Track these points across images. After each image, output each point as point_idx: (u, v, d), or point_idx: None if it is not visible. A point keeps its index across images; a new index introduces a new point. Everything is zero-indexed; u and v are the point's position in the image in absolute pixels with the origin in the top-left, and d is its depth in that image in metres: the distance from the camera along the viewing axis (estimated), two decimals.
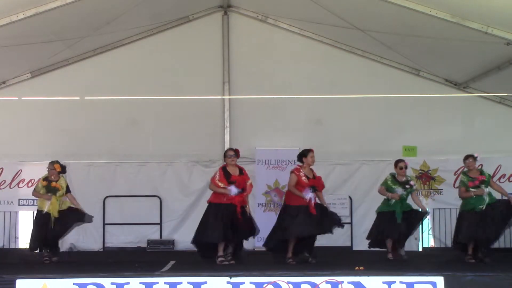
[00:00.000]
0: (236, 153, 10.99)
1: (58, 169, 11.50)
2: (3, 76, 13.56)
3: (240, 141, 13.80)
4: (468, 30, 10.67)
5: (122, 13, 12.17)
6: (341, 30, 12.81)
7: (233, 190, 10.70)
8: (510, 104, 13.72)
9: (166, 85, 13.68)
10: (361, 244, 13.66)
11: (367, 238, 11.81)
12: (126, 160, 13.96)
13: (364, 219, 13.81)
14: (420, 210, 11.58)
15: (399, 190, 11.39)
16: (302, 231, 10.72)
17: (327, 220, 10.90)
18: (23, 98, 12.81)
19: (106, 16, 12.23)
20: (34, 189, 11.73)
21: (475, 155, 11.24)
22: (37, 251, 11.65)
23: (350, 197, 13.86)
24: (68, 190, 11.59)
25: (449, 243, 13.28)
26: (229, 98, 13.90)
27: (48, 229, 11.29)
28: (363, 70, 13.96)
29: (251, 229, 10.98)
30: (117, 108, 13.57)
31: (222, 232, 10.57)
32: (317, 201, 10.94)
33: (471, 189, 11.03)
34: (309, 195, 10.74)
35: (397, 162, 11.64)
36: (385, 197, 11.58)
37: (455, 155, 13.32)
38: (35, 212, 11.94)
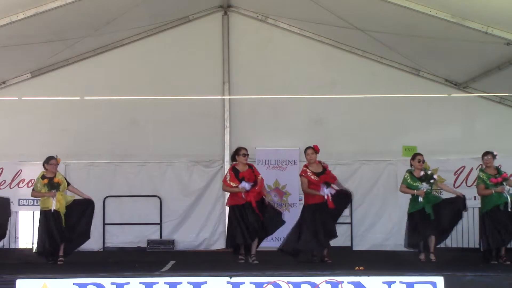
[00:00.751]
0: (247, 151, 11.17)
1: (59, 162, 11.17)
2: (3, 76, 13.56)
3: (240, 141, 13.76)
4: (468, 30, 10.67)
5: (122, 13, 12.18)
6: (341, 30, 12.81)
7: (245, 186, 10.79)
8: (510, 104, 13.72)
9: (166, 85, 13.68)
10: (361, 244, 13.70)
11: (405, 246, 11.25)
12: (126, 160, 13.96)
13: (364, 219, 13.84)
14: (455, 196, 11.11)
15: (424, 186, 10.93)
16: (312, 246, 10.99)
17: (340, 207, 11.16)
18: (23, 98, 12.82)
19: (106, 16, 12.23)
20: (33, 189, 11.23)
21: (495, 152, 11.00)
22: (47, 254, 11.03)
23: None
24: (68, 183, 11.21)
25: (449, 243, 13.29)
26: (229, 98, 13.91)
27: (60, 228, 10.84)
28: (363, 70, 13.96)
29: (276, 222, 11.06)
30: (117, 108, 13.57)
31: (247, 233, 10.78)
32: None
33: (491, 187, 10.76)
34: (324, 191, 10.91)
35: (414, 156, 11.22)
36: (410, 197, 11.11)
37: (455, 155, 13.37)
38: (38, 214, 11.49)
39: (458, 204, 11.02)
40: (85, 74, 13.93)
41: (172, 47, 14.05)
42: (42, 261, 11.06)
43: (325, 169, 11.17)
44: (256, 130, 14.01)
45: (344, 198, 11.30)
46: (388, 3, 10.74)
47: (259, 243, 11.05)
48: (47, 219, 10.96)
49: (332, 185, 11.05)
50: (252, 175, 10.91)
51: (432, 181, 11.02)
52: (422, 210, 10.90)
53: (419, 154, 11.28)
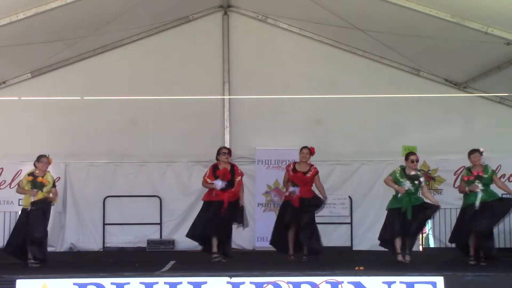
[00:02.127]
0: (229, 151, 11.50)
1: (51, 162, 11.00)
2: (3, 76, 13.56)
3: (240, 141, 13.81)
4: (468, 30, 10.67)
5: (122, 13, 12.18)
6: (341, 30, 12.81)
7: (218, 183, 11.10)
8: (510, 104, 13.72)
9: (166, 85, 13.68)
10: (361, 244, 13.69)
11: (379, 238, 11.33)
12: (126, 160, 13.96)
13: (364, 219, 13.83)
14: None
15: (407, 184, 10.85)
16: (286, 219, 11.35)
17: (305, 211, 11.33)
18: (23, 98, 12.80)
19: (106, 16, 12.23)
20: (18, 185, 11.07)
21: (481, 149, 10.87)
22: (13, 255, 10.81)
23: (350, 197, 13.85)
24: (53, 185, 10.92)
25: (449, 243, 13.29)
26: (229, 98, 13.90)
27: (29, 227, 10.56)
28: (363, 70, 13.96)
29: (236, 220, 11.36)
30: (117, 108, 13.57)
31: (208, 228, 11.04)
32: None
33: (465, 184, 10.75)
34: (290, 188, 11.34)
35: (408, 155, 11.15)
36: (393, 193, 11.10)
37: (455, 155, 13.34)
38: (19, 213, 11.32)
39: (430, 210, 10.99)
40: (85, 74, 13.93)
41: (172, 47, 14.05)
42: (27, 266, 10.56)
43: (307, 172, 11.45)
44: (256, 130, 14.01)
45: (314, 203, 11.48)
46: (388, 3, 10.74)
47: (225, 243, 11.25)
48: (21, 217, 10.84)
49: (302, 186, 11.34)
50: (229, 174, 11.19)
51: (416, 182, 10.89)
52: (400, 209, 10.87)
53: (413, 154, 11.19)
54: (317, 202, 11.50)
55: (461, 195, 11.06)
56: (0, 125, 13.78)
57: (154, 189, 14.01)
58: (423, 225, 11.33)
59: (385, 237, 11.10)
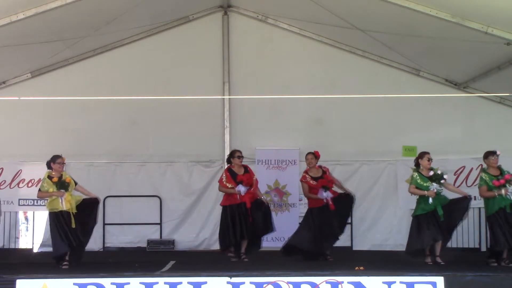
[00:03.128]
0: (242, 154, 11.56)
1: (64, 161, 10.81)
2: (3, 76, 13.55)
3: (240, 141, 13.80)
4: (468, 30, 10.66)
5: (122, 13, 12.18)
6: (341, 30, 12.81)
7: (241, 189, 11.15)
8: (510, 104, 13.71)
9: (166, 85, 13.68)
10: (361, 244, 13.69)
11: (408, 251, 10.81)
12: (126, 160, 13.96)
13: (364, 219, 13.83)
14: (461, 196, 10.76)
15: (434, 186, 10.54)
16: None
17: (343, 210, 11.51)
18: (23, 98, 12.80)
19: (106, 16, 12.23)
20: (40, 190, 10.67)
21: (498, 152, 10.73)
22: (64, 256, 10.49)
23: None
24: (75, 182, 10.79)
25: (449, 243, 13.26)
26: (229, 98, 13.90)
27: (71, 229, 10.41)
28: (363, 70, 13.96)
29: (266, 226, 11.36)
30: (117, 108, 13.56)
31: (238, 233, 11.11)
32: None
33: (495, 188, 10.47)
34: (323, 195, 11.29)
35: (422, 154, 10.78)
36: (417, 198, 10.74)
37: (455, 155, 13.35)
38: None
39: (463, 204, 10.72)
40: (85, 74, 13.93)
41: (172, 47, 14.05)
42: (60, 266, 10.39)
43: (324, 172, 11.53)
44: (256, 130, 14.01)
45: (345, 199, 11.56)
46: (388, 3, 10.73)
47: (249, 243, 11.32)
48: (58, 221, 10.48)
49: (331, 188, 11.42)
50: (251, 179, 11.31)
51: (442, 181, 10.65)
52: (429, 213, 10.54)
53: (427, 152, 10.86)
54: (350, 198, 11.59)
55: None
56: (0, 125, 13.77)
57: (154, 189, 14.01)
58: (459, 220, 10.89)
59: (418, 245, 10.65)
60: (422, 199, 10.67)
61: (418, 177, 10.66)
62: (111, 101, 12.90)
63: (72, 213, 10.48)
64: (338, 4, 11.92)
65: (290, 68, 14.05)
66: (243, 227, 11.10)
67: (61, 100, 12.82)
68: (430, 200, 10.56)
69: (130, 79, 13.81)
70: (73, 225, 10.45)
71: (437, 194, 10.62)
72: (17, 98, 12.88)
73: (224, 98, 13.89)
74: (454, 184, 13.35)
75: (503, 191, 10.49)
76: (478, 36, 10.75)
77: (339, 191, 11.64)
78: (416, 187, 10.68)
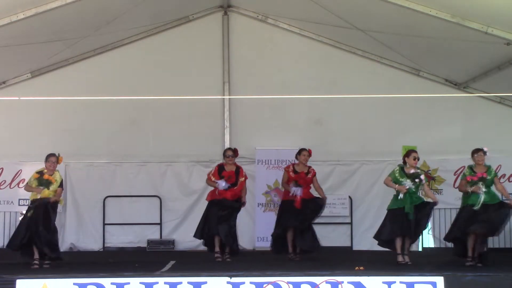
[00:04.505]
0: (235, 152, 11.67)
1: (61, 161, 10.90)
2: (3, 76, 13.56)
3: (240, 141, 13.79)
4: (468, 30, 10.67)
5: (122, 13, 12.18)
6: (341, 30, 12.81)
7: (221, 184, 11.34)
8: (510, 104, 13.71)
9: (166, 85, 13.67)
10: (361, 244, 13.68)
11: (375, 237, 11.17)
12: (126, 160, 13.96)
13: (364, 219, 13.84)
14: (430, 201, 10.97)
15: (408, 183, 10.68)
16: (285, 223, 11.53)
17: (309, 211, 11.56)
18: (23, 98, 12.80)
19: (106, 16, 12.23)
20: (26, 183, 10.97)
21: (485, 149, 10.72)
22: (17, 250, 10.76)
23: (350, 197, 13.86)
24: (60, 185, 10.81)
25: (449, 243, 13.24)
26: (229, 98, 13.90)
27: (38, 227, 10.44)
28: (363, 70, 13.96)
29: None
30: (117, 108, 13.56)
31: (213, 227, 11.30)
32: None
33: (468, 184, 10.59)
34: (292, 189, 11.48)
35: (410, 152, 10.94)
36: (394, 193, 10.93)
37: (455, 155, 13.34)
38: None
39: (427, 209, 10.83)
40: (85, 74, 13.93)
41: (172, 47, 14.04)
42: (30, 266, 10.49)
43: (308, 173, 11.67)
44: (256, 130, 14.01)
45: (315, 205, 11.64)
46: (388, 3, 10.74)
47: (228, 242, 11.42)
48: (25, 215, 10.75)
49: (304, 188, 11.55)
50: (234, 177, 11.44)
51: (417, 180, 10.72)
52: (401, 209, 10.68)
53: (414, 151, 11.01)
54: (320, 203, 11.65)
55: (461, 194, 10.98)
56: (0, 125, 13.77)
57: (154, 189, 14.01)
58: (424, 224, 11.12)
59: (382, 237, 10.99)
60: (395, 195, 10.85)
61: (397, 172, 10.86)
62: (111, 101, 12.90)
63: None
64: (338, 4, 11.91)
65: (290, 68, 14.05)
66: (218, 223, 11.24)
67: (61, 100, 12.81)
68: (401, 195, 10.68)
69: (130, 79, 13.81)
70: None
71: (411, 193, 10.70)
72: (17, 98, 12.88)
73: (224, 98, 13.89)
74: (453, 185, 13.38)
75: (474, 188, 10.51)
76: (478, 36, 10.75)
77: (316, 195, 11.77)
78: (392, 180, 10.87)
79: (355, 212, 13.88)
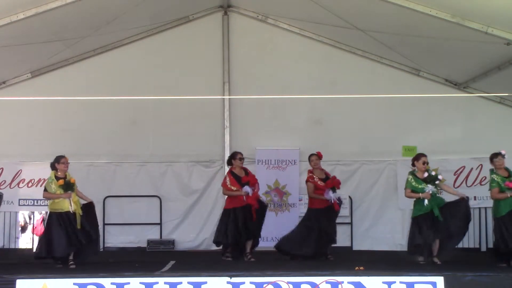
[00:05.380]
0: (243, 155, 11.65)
1: (68, 161, 10.76)
2: (3, 76, 13.55)
3: (240, 141, 13.81)
4: (468, 30, 10.66)
5: (122, 13, 12.18)
6: (341, 30, 12.81)
7: (248, 190, 11.23)
8: (510, 104, 13.70)
9: (166, 85, 13.67)
10: (361, 244, 13.69)
11: (410, 250, 10.77)
12: (126, 160, 13.96)
13: (364, 219, 13.84)
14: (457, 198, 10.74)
15: (430, 188, 10.53)
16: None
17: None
18: (23, 98, 12.80)
19: (106, 16, 12.23)
20: (46, 190, 10.60)
21: (503, 152, 10.57)
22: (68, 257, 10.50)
23: (350, 197, 13.85)
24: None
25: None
26: (229, 98, 13.90)
27: (76, 230, 10.41)
28: (363, 70, 13.95)
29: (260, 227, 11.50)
30: (117, 108, 13.55)
31: (244, 234, 11.23)
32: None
33: (508, 190, 10.28)
34: (330, 196, 11.46)
35: (418, 157, 10.80)
36: (414, 199, 10.71)
37: (455, 155, 13.35)
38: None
39: (463, 207, 10.67)
40: (85, 74, 13.93)
41: (172, 47, 14.04)
42: (67, 266, 10.39)
43: (328, 176, 11.72)
44: (256, 130, 14.01)
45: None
46: (388, 3, 10.73)
47: (253, 243, 11.46)
48: (63, 221, 10.45)
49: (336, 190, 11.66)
50: (255, 179, 11.38)
51: (437, 182, 10.65)
52: (428, 213, 10.51)
53: (423, 155, 10.87)
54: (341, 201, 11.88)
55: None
56: (0, 125, 13.77)
57: (154, 189, 14.01)
58: (467, 223, 10.80)
59: (415, 242, 10.61)
60: (418, 201, 10.65)
61: (413, 180, 10.69)
62: (111, 101, 12.89)
63: (79, 213, 10.52)
64: (338, 4, 11.91)
65: (290, 68, 14.05)
66: (249, 228, 11.19)
67: (61, 100, 12.81)
68: (426, 201, 10.54)
69: (130, 79, 13.81)
70: (79, 226, 10.46)
71: (433, 196, 10.60)
72: (17, 98, 12.88)
73: (224, 98, 13.89)
74: (454, 185, 13.38)
75: None
76: (478, 36, 10.74)
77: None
78: (412, 191, 10.68)
79: (355, 212, 13.88)
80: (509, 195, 10.32)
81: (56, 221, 10.50)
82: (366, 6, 11.56)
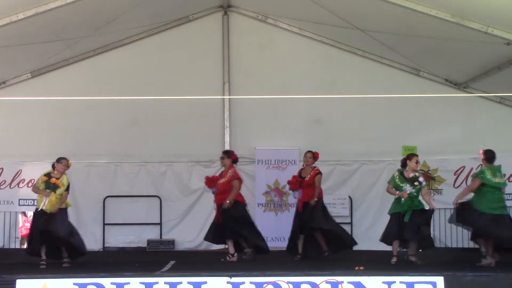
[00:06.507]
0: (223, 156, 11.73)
1: (70, 166, 10.86)
2: (3, 76, 13.56)
3: (240, 141, 13.81)
4: (468, 30, 10.67)
5: (122, 13, 12.18)
6: (341, 30, 12.81)
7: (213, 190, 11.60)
8: (510, 104, 13.71)
9: (166, 85, 13.67)
10: (361, 244, 13.66)
11: (380, 240, 11.19)
12: (126, 160, 13.96)
13: (364, 219, 13.84)
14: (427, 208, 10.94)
15: (408, 188, 10.70)
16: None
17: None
18: (23, 98, 12.80)
19: (106, 16, 12.23)
20: (34, 185, 11.00)
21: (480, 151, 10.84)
22: (36, 255, 10.68)
23: (350, 197, 13.86)
24: (67, 189, 10.79)
25: (449, 243, 13.27)
26: (229, 98, 13.90)
27: (45, 228, 10.48)
28: (363, 70, 13.96)
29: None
30: (117, 108, 13.57)
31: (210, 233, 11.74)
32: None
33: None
34: (293, 194, 11.78)
35: (412, 156, 10.94)
36: (395, 197, 10.93)
37: (455, 155, 13.36)
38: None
39: (426, 215, 10.84)
40: (85, 74, 13.93)
41: (172, 47, 14.05)
42: (38, 265, 10.50)
43: (304, 177, 11.67)
44: (256, 130, 14.01)
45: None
46: (388, 3, 10.74)
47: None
48: (33, 218, 10.81)
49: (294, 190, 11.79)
50: (210, 182, 11.64)
51: (416, 183, 10.73)
52: (401, 214, 10.70)
53: (416, 155, 11.04)
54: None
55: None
56: (0, 125, 13.77)
57: (154, 189, 14.01)
58: (426, 230, 11.01)
59: (385, 240, 11.06)
60: (397, 198, 10.83)
61: (397, 177, 10.84)
62: (111, 101, 12.90)
63: (50, 213, 10.55)
64: (338, 4, 11.92)
65: (290, 68, 14.05)
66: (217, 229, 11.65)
67: (61, 100, 12.81)
68: (402, 200, 10.69)
69: (130, 79, 13.81)
70: (47, 224, 10.50)
71: (412, 197, 10.70)
72: (17, 98, 12.88)
73: (224, 98, 13.89)
74: (453, 184, 13.41)
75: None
76: (478, 36, 10.75)
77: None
78: (393, 187, 10.84)
79: (355, 212, 13.88)
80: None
81: (34, 218, 10.81)
82: (366, 6, 11.56)
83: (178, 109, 13.67)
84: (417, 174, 10.92)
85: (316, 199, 11.45)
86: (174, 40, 14.09)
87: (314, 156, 11.69)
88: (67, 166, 10.87)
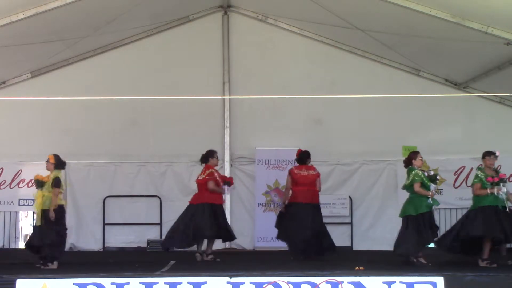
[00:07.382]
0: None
1: (51, 160, 10.46)
2: (3, 76, 13.56)
3: (240, 141, 13.82)
4: (468, 30, 10.67)
5: (122, 13, 12.18)
6: (341, 30, 12.82)
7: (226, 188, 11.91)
8: (510, 104, 13.72)
9: (166, 85, 13.67)
10: (361, 244, 13.69)
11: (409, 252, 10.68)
12: (126, 160, 13.96)
13: (364, 219, 13.83)
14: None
15: (433, 187, 10.47)
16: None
17: None
18: (23, 98, 12.80)
19: (106, 16, 12.23)
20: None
21: (497, 153, 10.57)
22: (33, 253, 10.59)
23: (350, 197, 13.85)
24: (57, 185, 10.30)
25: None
26: (229, 98, 13.90)
27: (40, 228, 10.31)
28: (363, 70, 13.96)
29: None
30: (117, 108, 13.57)
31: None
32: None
33: (489, 185, 10.27)
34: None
35: (415, 155, 10.72)
36: (411, 197, 10.61)
37: (455, 155, 13.36)
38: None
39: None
40: (85, 74, 13.94)
41: (172, 47, 14.05)
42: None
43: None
44: (256, 130, 14.02)
45: None
46: (388, 3, 10.74)
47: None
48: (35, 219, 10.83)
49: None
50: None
51: (437, 180, 10.65)
52: (426, 214, 10.43)
53: (417, 152, 10.88)
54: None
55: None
56: (0, 125, 13.77)
57: (154, 189, 14.02)
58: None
59: (418, 248, 10.70)
60: (422, 199, 10.50)
61: (424, 176, 10.50)
62: (111, 101, 12.90)
63: (40, 211, 10.35)
64: (338, 4, 11.92)
65: (290, 68, 14.06)
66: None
67: (61, 100, 12.82)
68: (430, 200, 10.48)
69: (130, 79, 13.82)
70: (38, 223, 10.36)
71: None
72: (17, 98, 12.88)
73: (224, 98, 13.89)
74: (453, 184, 13.44)
75: (495, 190, 10.30)
76: (478, 36, 10.75)
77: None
78: (421, 186, 10.50)
79: (355, 212, 13.88)
80: (488, 192, 10.28)
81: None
82: (366, 6, 11.57)
83: (178, 109, 13.67)
84: (431, 172, 10.73)
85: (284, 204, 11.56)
86: (174, 40, 14.09)
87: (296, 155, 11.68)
88: (48, 161, 10.52)
